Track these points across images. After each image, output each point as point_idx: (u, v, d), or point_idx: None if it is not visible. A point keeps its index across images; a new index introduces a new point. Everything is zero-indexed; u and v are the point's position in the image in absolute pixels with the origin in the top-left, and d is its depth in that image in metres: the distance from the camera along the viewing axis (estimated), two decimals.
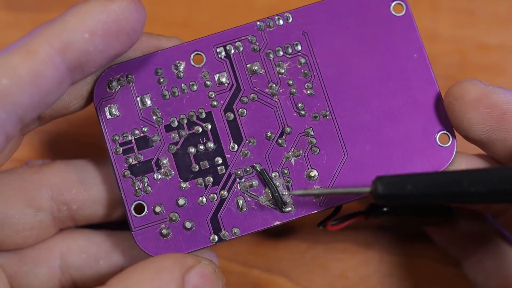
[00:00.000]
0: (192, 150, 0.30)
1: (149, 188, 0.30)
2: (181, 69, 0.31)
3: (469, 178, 0.25)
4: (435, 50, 0.39)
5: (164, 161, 0.30)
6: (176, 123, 0.30)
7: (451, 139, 0.30)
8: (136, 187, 0.30)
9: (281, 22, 0.31)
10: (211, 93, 0.31)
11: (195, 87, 0.31)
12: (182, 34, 0.33)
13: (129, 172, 0.30)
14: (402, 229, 0.36)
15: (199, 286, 0.27)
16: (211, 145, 0.30)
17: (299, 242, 0.37)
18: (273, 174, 0.30)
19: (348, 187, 0.30)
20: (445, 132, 0.30)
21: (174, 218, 0.30)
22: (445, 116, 0.30)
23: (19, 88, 0.25)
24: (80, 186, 0.31)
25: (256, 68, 0.31)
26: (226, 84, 0.31)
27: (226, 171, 0.30)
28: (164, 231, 0.30)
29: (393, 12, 0.31)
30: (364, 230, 0.37)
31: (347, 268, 0.37)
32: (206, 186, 0.30)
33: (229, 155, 0.30)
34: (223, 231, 0.30)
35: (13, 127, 0.26)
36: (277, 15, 0.31)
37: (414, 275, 0.36)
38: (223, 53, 0.31)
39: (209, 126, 0.30)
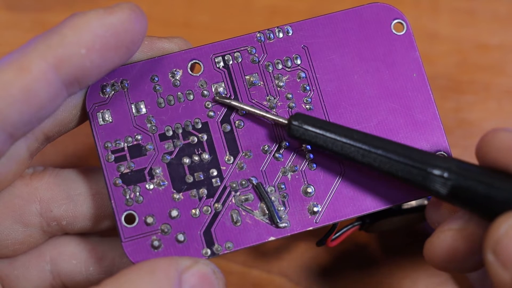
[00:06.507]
0: (187, 160, 0.29)
1: (141, 198, 0.29)
2: (177, 77, 0.30)
3: (362, 153, 0.28)
4: (435, 50, 0.39)
5: (158, 171, 0.29)
6: (171, 132, 0.30)
7: None
8: (128, 197, 0.29)
9: (281, 35, 0.30)
10: (207, 103, 0.30)
11: (191, 96, 0.30)
12: (182, 34, 0.32)
13: (120, 180, 0.29)
14: (390, 231, 0.36)
15: (197, 286, 0.26)
16: (206, 156, 0.29)
17: (298, 242, 0.37)
18: (269, 189, 0.29)
19: (270, 113, 0.29)
20: (442, 153, 0.30)
21: (166, 230, 0.29)
22: (442, 136, 0.30)
23: (8, 105, 0.24)
24: (70, 203, 0.30)
25: (254, 79, 0.30)
26: (223, 95, 0.30)
27: (221, 184, 0.29)
28: (156, 243, 0.29)
29: (393, 31, 0.31)
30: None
31: (347, 268, 0.36)
32: (200, 198, 0.29)
33: (224, 167, 0.29)
34: (216, 245, 0.29)
35: (2, 144, 0.25)
36: (277, 27, 0.31)
37: (413, 275, 0.36)
38: (222, 63, 0.30)
39: (205, 137, 0.30)
